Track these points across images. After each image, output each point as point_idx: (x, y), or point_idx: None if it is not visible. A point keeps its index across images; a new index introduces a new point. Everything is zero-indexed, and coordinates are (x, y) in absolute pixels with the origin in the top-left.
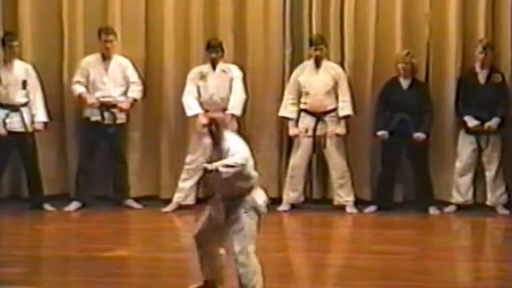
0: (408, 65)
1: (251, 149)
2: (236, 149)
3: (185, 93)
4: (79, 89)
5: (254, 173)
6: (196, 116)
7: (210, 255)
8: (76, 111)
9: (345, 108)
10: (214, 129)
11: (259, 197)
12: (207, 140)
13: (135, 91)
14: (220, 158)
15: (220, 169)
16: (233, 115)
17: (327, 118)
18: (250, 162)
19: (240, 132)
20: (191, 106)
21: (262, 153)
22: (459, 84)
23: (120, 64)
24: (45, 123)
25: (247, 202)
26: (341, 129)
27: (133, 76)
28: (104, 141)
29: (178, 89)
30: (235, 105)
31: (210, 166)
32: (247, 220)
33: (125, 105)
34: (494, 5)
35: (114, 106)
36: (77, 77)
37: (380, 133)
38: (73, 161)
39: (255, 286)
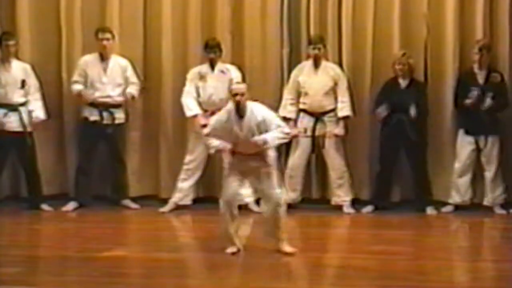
0: (405, 66)
1: None
2: (272, 117)
3: (184, 94)
4: (77, 87)
5: None
6: (195, 116)
7: (236, 218)
8: (74, 111)
9: (344, 109)
10: (242, 100)
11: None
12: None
13: (134, 89)
14: (251, 127)
15: (275, 142)
16: None
17: (326, 118)
18: None
19: None
20: (190, 107)
21: None
22: (458, 84)
23: (120, 64)
24: (43, 121)
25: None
26: (339, 130)
27: (133, 77)
28: (103, 141)
29: (176, 89)
30: None
31: (259, 139)
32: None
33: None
34: (492, 5)
35: (113, 106)
36: (75, 77)
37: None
38: (71, 161)
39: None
